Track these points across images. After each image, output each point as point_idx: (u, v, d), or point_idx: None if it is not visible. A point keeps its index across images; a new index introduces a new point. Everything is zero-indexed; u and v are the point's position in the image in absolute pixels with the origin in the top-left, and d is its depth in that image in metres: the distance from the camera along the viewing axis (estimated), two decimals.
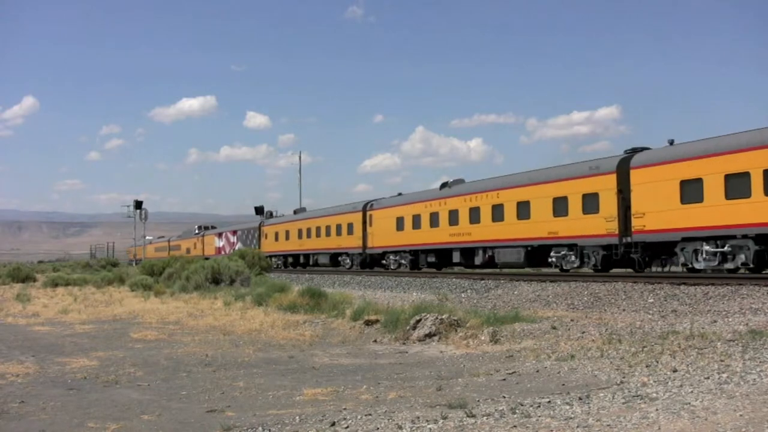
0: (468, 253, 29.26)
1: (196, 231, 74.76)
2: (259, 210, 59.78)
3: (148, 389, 8.48)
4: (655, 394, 6.65)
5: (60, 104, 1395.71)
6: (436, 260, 32.08)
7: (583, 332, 11.07)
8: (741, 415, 5.61)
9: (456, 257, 30.15)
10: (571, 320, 12.65)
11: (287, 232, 49.40)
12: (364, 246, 38.43)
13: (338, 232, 41.50)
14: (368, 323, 13.86)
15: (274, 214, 57.92)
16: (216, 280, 26.77)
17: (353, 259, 40.08)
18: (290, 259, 49.48)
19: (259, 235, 54.04)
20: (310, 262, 45.71)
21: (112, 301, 23.33)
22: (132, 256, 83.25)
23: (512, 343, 10.87)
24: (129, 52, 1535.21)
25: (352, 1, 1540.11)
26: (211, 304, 20.19)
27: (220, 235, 65.08)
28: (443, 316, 12.38)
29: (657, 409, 6.01)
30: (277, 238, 51.02)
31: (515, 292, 18.38)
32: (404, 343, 11.95)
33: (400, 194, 38.05)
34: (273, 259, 48.66)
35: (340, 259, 41.70)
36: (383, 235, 36.31)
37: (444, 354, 10.68)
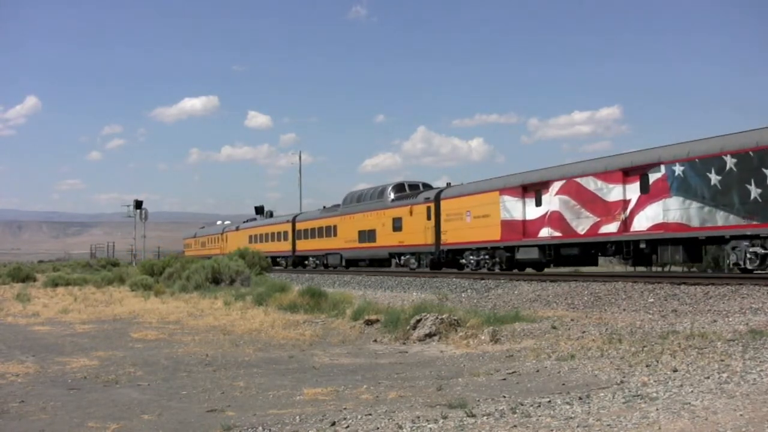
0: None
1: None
2: (259, 210, 59.74)
3: (148, 389, 8.49)
4: (655, 394, 6.65)
5: (62, 104, 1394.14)
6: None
7: (584, 332, 11.07)
8: (741, 415, 5.61)
9: None
10: (572, 320, 12.65)
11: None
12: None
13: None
14: (368, 323, 13.86)
15: (274, 213, 57.65)
16: (216, 280, 26.78)
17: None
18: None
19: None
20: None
21: (112, 301, 23.34)
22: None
23: (512, 343, 10.87)
24: (131, 52, 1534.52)
25: (356, 1, 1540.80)
26: (211, 303, 20.20)
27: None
28: (443, 316, 12.38)
29: (657, 409, 6.00)
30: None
31: (515, 292, 18.38)
32: (404, 343, 11.95)
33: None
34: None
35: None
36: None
37: (444, 354, 10.69)
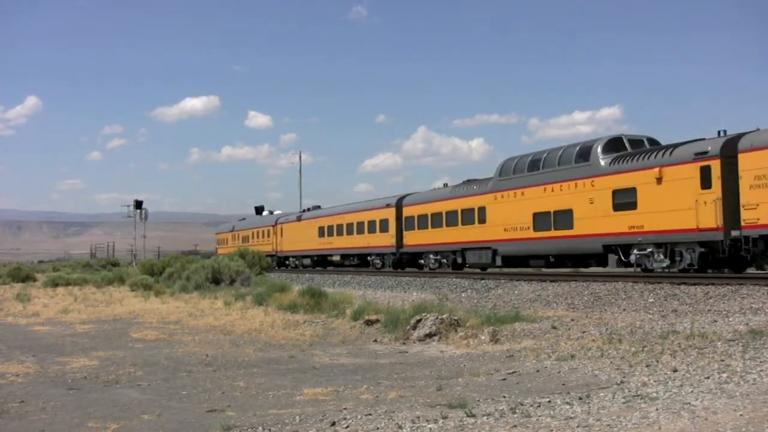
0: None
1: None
2: (258, 210, 59.58)
3: (148, 389, 8.48)
4: (655, 394, 6.65)
5: (62, 104, 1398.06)
6: None
7: (584, 332, 11.07)
8: (741, 415, 5.61)
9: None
10: (572, 320, 12.65)
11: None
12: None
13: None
14: (368, 323, 13.86)
15: (273, 213, 56.60)
16: (216, 280, 26.78)
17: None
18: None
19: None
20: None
21: (112, 301, 23.33)
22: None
23: (512, 343, 10.87)
24: (132, 52, 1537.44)
25: (356, 1, 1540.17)
26: (212, 303, 20.19)
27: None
28: (443, 316, 12.38)
29: (657, 409, 6.00)
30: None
31: (515, 292, 18.38)
32: (404, 343, 11.95)
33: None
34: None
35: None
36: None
37: (444, 354, 10.68)
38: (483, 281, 21.54)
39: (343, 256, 40.70)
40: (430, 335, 11.98)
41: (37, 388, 8.63)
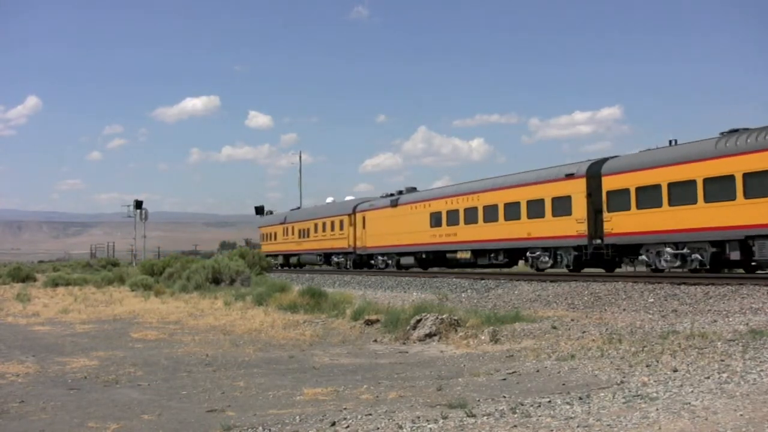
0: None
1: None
2: (259, 210, 59.56)
3: (148, 389, 8.48)
4: (655, 394, 6.64)
5: (63, 104, 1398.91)
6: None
7: (584, 332, 11.07)
8: (741, 415, 5.61)
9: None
10: (572, 320, 12.65)
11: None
12: None
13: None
14: (368, 323, 13.87)
15: (274, 213, 56.02)
16: (216, 280, 26.79)
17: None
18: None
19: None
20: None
21: (112, 301, 23.33)
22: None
23: (512, 343, 10.87)
24: (132, 52, 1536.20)
25: (357, 1, 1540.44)
26: (212, 303, 20.20)
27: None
28: (443, 316, 12.38)
29: (657, 409, 6.00)
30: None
31: (515, 292, 18.38)
32: (404, 343, 11.95)
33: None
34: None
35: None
36: None
37: (444, 354, 10.68)
38: (483, 281, 21.53)
39: (478, 252, 27.61)
40: (430, 335, 11.98)
41: (37, 388, 8.63)
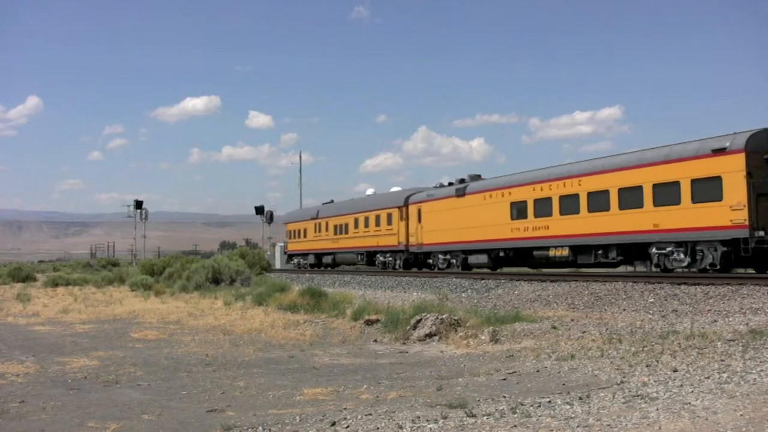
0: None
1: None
2: (259, 210, 59.45)
3: (148, 389, 8.48)
4: (655, 394, 6.64)
5: (63, 104, 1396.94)
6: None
7: (584, 332, 11.07)
8: (741, 415, 5.61)
9: None
10: (572, 320, 12.65)
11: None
12: None
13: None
14: (368, 323, 13.87)
15: (273, 214, 55.78)
16: (216, 280, 26.81)
17: None
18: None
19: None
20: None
21: (112, 301, 23.34)
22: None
23: (512, 343, 10.87)
24: (133, 51, 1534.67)
25: (358, 1, 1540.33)
26: (212, 303, 20.21)
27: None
28: (443, 316, 12.38)
29: (657, 409, 6.00)
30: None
31: (515, 292, 18.37)
32: (404, 343, 11.95)
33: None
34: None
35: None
36: None
37: (444, 354, 10.68)
38: (483, 281, 21.52)
39: (578, 249, 22.51)
40: (430, 335, 11.98)
41: (37, 388, 8.63)
